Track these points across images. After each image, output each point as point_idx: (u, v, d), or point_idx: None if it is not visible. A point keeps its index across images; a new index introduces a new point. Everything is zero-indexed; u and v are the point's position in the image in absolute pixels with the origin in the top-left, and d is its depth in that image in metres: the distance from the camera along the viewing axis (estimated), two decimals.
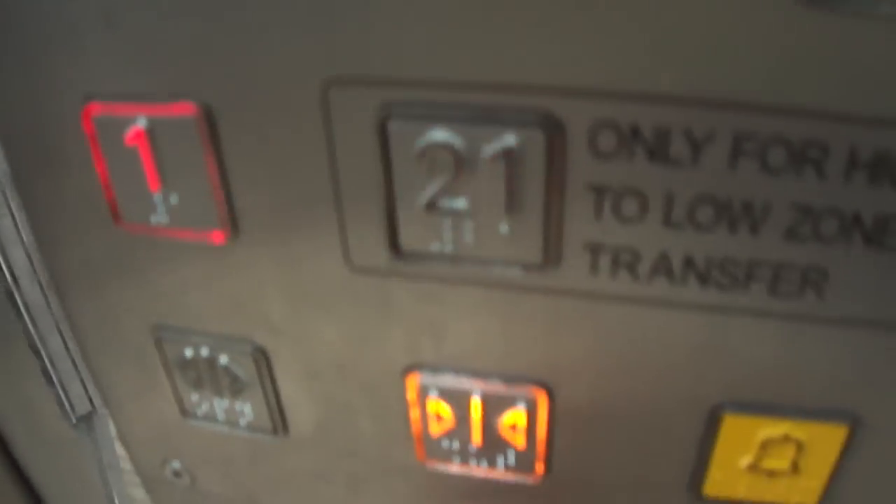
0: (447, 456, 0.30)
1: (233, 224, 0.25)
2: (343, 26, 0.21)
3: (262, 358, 0.29)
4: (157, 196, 0.25)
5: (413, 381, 0.27)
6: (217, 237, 0.26)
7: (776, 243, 0.22)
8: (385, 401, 0.28)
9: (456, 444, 0.29)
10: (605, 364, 0.25)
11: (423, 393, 0.28)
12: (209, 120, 0.23)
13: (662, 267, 0.22)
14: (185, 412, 0.33)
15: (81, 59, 0.24)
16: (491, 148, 0.21)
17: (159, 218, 0.26)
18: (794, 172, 0.20)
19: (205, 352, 0.30)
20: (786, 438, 0.26)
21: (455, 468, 0.30)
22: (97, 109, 0.25)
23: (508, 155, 0.21)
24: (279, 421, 0.31)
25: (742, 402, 0.26)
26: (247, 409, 0.31)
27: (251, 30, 0.21)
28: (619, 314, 0.24)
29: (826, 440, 0.26)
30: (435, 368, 0.27)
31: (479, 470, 0.30)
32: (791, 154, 0.20)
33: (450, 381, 0.27)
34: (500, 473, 0.30)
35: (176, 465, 0.36)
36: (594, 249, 0.22)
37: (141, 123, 0.24)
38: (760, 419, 0.26)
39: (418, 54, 0.21)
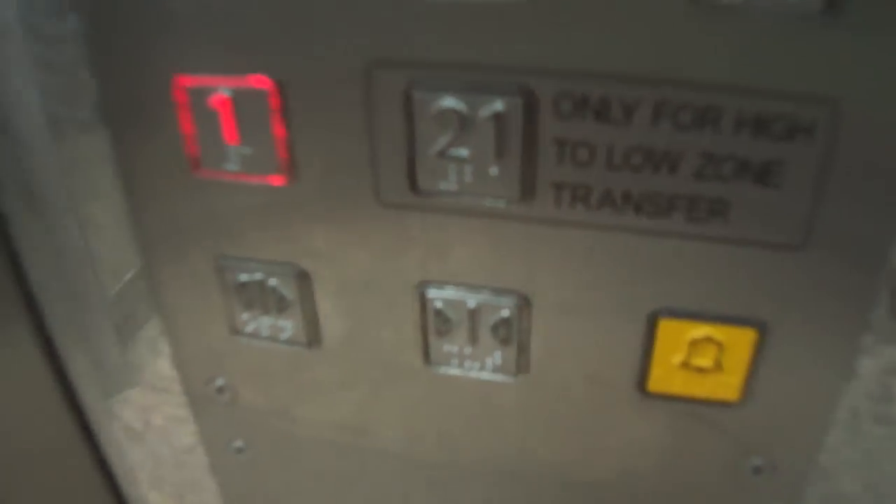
0: (447, 359, 0.40)
1: (290, 170, 0.36)
2: (382, 25, 0.31)
3: (305, 279, 0.40)
4: (232, 148, 0.36)
5: (423, 295, 0.38)
6: (278, 180, 0.36)
7: (689, 181, 0.32)
8: (402, 312, 0.39)
9: (455, 349, 0.40)
10: (568, 276, 0.36)
11: (430, 304, 0.38)
12: (279, 90, 0.34)
13: (607, 199, 0.33)
14: (234, 330, 0.43)
15: (179, 41, 0.35)
16: (485, 111, 0.32)
17: (232, 166, 0.37)
18: (699, 129, 0.31)
19: (258, 276, 0.40)
20: (708, 339, 0.37)
21: (454, 370, 0.41)
22: (189, 81, 0.35)
23: (497, 116, 0.32)
24: (314, 334, 0.42)
25: (673, 309, 0.36)
26: (288, 325, 0.42)
27: (315, 22, 0.32)
28: (577, 237, 0.34)
29: (740, 341, 0.37)
30: (440, 284, 0.38)
31: (472, 370, 0.40)
32: (696, 116, 0.31)
33: (451, 294, 0.38)
34: (489, 373, 0.40)
35: (220, 381, 0.47)
36: (558, 186, 0.33)
37: (224, 92, 0.35)
38: (687, 322, 0.37)
39: (435, 45, 0.31)
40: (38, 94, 0.40)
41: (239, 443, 0.50)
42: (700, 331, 0.37)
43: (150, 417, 0.53)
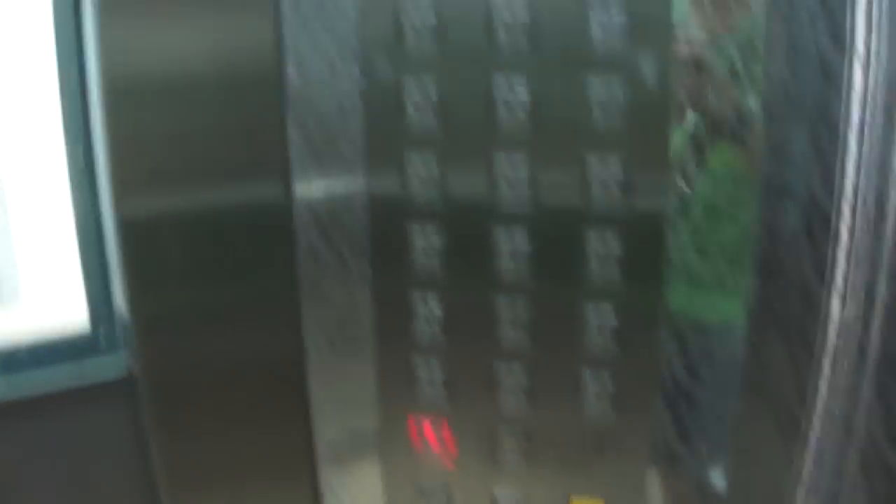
0: None
1: (454, 459, 1.14)
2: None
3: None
4: (425, 440, 1.14)
5: None
6: (449, 463, 1.14)
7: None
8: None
9: None
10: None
11: None
12: (447, 423, 1.11)
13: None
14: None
15: (414, 405, 1.12)
16: None
17: (422, 442, 1.14)
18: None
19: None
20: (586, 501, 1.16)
21: None
22: (418, 418, 1.13)
23: None
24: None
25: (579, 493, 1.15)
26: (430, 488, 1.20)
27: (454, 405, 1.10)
28: None
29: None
30: None
31: None
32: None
33: None
34: None
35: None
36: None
37: (427, 421, 1.12)
38: (583, 499, 1.15)
39: None
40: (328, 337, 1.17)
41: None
42: (582, 500, 1.16)
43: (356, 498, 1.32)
